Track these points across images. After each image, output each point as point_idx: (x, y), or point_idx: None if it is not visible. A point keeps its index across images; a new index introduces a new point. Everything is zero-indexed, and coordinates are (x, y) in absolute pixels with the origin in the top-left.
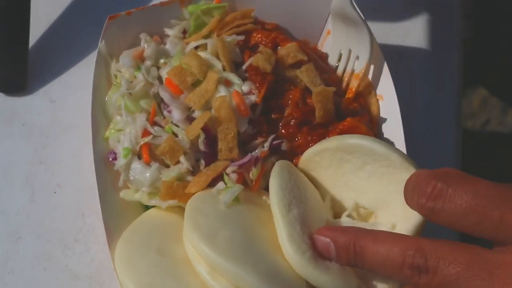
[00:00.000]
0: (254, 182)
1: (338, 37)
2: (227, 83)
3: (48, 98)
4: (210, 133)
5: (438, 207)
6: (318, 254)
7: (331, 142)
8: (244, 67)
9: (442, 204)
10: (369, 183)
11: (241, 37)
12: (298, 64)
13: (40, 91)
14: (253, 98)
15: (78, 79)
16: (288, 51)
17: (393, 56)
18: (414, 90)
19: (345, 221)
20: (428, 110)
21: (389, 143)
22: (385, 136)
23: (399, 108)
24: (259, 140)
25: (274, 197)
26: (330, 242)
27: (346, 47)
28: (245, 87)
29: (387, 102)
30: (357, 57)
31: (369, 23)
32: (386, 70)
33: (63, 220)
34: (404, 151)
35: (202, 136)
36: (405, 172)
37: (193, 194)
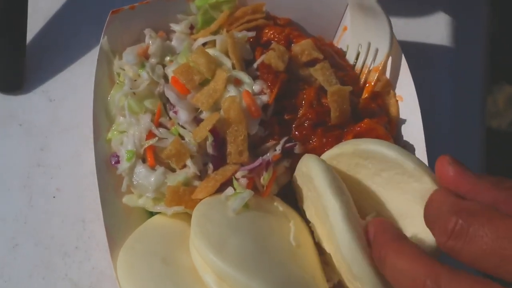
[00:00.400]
0: (265, 188)
1: (356, 30)
2: (237, 82)
3: (47, 97)
4: (218, 135)
5: (458, 247)
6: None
7: (347, 147)
8: (255, 65)
9: (462, 244)
10: (387, 191)
11: (252, 33)
12: (312, 62)
13: (38, 90)
14: (264, 98)
15: (79, 77)
16: (302, 48)
17: (415, 52)
18: (436, 87)
19: None
20: (451, 108)
21: (409, 146)
22: (404, 138)
23: (419, 108)
24: (271, 143)
25: (324, 177)
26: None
27: (365, 41)
28: (256, 87)
29: (407, 101)
30: (377, 50)
31: (390, 18)
32: (405, 68)
33: (62, 226)
34: (425, 154)
35: (211, 139)
36: (417, 181)
37: (200, 200)
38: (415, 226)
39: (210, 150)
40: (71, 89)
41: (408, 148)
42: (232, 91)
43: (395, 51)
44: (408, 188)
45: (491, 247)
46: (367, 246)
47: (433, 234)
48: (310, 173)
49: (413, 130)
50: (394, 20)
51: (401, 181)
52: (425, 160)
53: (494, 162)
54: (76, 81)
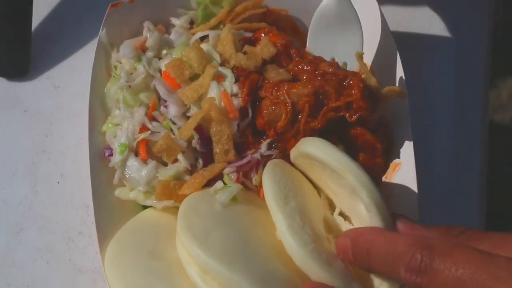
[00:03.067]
0: (260, 188)
1: (318, 45)
2: (220, 78)
3: (52, 83)
4: (204, 133)
5: (424, 283)
6: (321, 249)
7: (295, 149)
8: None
9: (428, 280)
10: (335, 186)
11: (249, 34)
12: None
13: (43, 76)
14: (240, 100)
15: (83, 64)
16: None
17: (416, 44)
18: (438, 80)
19: (338, 218)
20: (452, 101)
21: (400, 142)
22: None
23: (408, 106)
24: (251, 149)
25: (269, 191)
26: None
27: (328, 56)
28: (235, 88)
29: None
30: (345, 65)
31: (389, 10)
32: (399, 66)
33: (66, 212)
34: (412, 153)
35: (196, 137)
36: (343, 179)
37: (183, 194)
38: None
39: (197, 147)
40: (76, 76)
41: (395, 152)
42: (213, 88)
43: (389, 48)
44: (343, 183)
45: (455, 279)
46: (321, 250)
47: (396, 276)
48: (263, 181)
49: (402, 129)
50: (395, 11)
51: (337, 177)
52: (412, 161)
53: (496, 156)
54: (80, 69)
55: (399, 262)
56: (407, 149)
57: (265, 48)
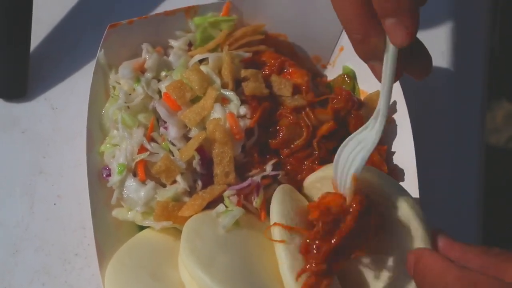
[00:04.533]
0: (260, 211)
1: None
2: (224, 101)
3: (49, 104)
4: (205, 154)
5: None
6: None
7: (331, 170)
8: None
9: None
10: None
11: (248, 54)
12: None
13: (41, 98)
14: (248, 122)
15: (81, 86)
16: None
17: None
18: (435, 103)
19: None
20: (449, 123)
21: (398, 169)
22: (394, 162)
23: (411, 130)
24: (256, 168)
25: (276, 225)
26: None
27: None
28: (242, 109)
29: (400, 124)
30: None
31: None
32: (399, 92)
33: (63, 233)
34: (415, 178)
35: (197, 158)
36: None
37: (188, 217)
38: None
39: (197, 168)
40: (74, 97)
41: (398, 171)
42: (218, 110)
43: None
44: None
45: None
46: None
47: None
48: (271, 212)
49: (405, 153)
50: None
51: (381, 203)
52: (415, 182)
53: (493, 178)
54: (78, 90)
55: None
56: (411, 173)
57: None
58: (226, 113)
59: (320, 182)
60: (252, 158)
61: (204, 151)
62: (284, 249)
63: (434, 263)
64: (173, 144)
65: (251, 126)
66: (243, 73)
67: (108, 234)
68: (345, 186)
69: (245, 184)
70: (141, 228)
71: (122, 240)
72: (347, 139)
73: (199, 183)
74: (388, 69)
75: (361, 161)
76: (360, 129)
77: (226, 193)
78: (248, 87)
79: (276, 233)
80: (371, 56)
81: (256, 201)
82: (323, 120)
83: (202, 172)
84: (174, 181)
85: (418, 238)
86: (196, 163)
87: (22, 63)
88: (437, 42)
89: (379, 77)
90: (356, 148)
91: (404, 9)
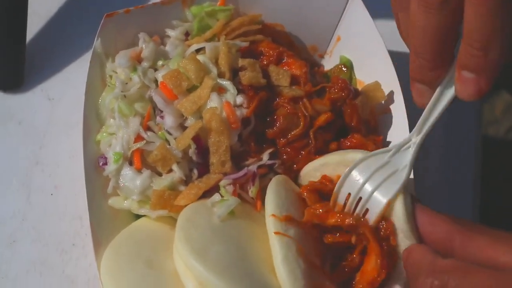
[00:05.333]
0: (256, 200)
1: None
2: (221, 91)
3: (46, 95)
4: (201, 143)
5: None
6: (310, 284)
7: (333, 157)
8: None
9: None
10: None
11: (245, 44)
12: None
13: (37, 89)
14: (244, 111)
15: (77, 76)
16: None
17: (407, 58)
18: None
19: None
20: (446, 115)
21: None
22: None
23: (407, 120)
24: (253, 157)
25: (270, 216)
26: None
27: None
28: (239, 99)
29: (395, 113)
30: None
31: (383, 27)
32: (397, 86)
33: (60, 223)
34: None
35: (193, 147)
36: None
37: (183, 206)
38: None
39: (193, 157)
40: (70, 88)
41: None
42: (214, 99)
43: (389, 71)
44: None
45: None
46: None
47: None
48: (266, 203)
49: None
50: (385, 27)
51: None
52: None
53: (490, 170)
54: (74, 81)
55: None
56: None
57: (280, 76)
58: (223, 102)
59: (320, 170)
60: (249, 147)
61: (200, 140)
62: (278, 240)
63: (423, 255)
64: (170, 133)
65: (247, 115)
66: (241, 62)
67: (105, 223)
68: (364, 208)
69: (241, 173)
70: (138, 217)
71: (119, 229)
72: (364, 157)
73: (195, 172)
74: (439, 108)
75: (396, 191)
76: (381, 150)
77: (222, 183)
78: (246, 77)
79: (271, 224)
80: (423, 81)
81: (252, 191)
82: (320, 110)
83: (198, 161)
84: (170, 170)
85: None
86: (192, 152)
87: (18, 55)
88: None
89: (421, 101)
90: (380, 171)
91: (488, 68)
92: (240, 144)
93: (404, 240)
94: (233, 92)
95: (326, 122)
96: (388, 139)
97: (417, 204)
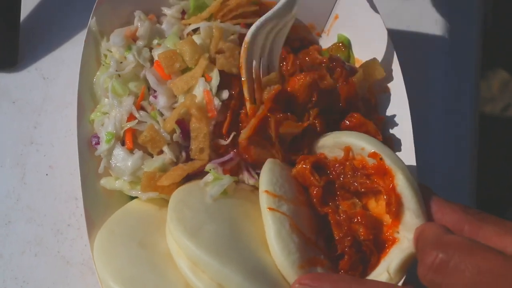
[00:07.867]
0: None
1: None
2: (208, 78)
3: (40, 74)
4: (186, 127)
5: (438, 281)
6: (304, 258)
7: (327, 139)
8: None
9: (442, 278)
10: None
11: (245, 30)
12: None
13: (31, 67)
14: (225, 95)
15: (72, 55)
16: None
17: (407, 36)
18: (429, 72)
19: None
20: (443, 92)
21: (395, 139)
22: (391, 130)
23: (407, 100)
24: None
25: (263, 192)
26: None
27: None
28: (225, 94)
29: (395, 93)
30: None
31: (381, 5)
32: (396, 63)
33: (55, 204)
34: (412, 145)
35: (178, 131)
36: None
37: (168, 186)
38: None
39: (179, 140)
40: (65, 67)
41: (395, 140)
42: (201, 85)
43: (388, 49)
44: None
45: (472, 282)
46: (304, 260)
47: (418, 266)
48: (260, 180)
49: (401, 123)
50: (385, 7)
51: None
52: (412, 151)
53: (486, 147)
54: (69, 60)
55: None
56: (407, 141)
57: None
58: (203, 90)
59: (317, 152)
60: (222, 137)
61: (185, 124)
62: (271, 215)
63: (434, 230)
64: (162, 114)
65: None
66: (221, 44)
67: (98, 203)
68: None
69: (226, 157)
70: (132, 197)
71: (113, 210)
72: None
73: (183, 154)
74: None
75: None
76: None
77: (208, 166)
78: (219, 62)
79: (264, 200)
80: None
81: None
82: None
83: (185, 145)
84: (161, 152)
85: (410, 210)
86: (177, 136)
87: (12, 33)
88: (430, 10)
89: None
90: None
91: None
92: (217, 133)
93: (413, 218)
94: (216, 80)
95: (275, 94)
96: (388, 118)
97: (428, 192)
